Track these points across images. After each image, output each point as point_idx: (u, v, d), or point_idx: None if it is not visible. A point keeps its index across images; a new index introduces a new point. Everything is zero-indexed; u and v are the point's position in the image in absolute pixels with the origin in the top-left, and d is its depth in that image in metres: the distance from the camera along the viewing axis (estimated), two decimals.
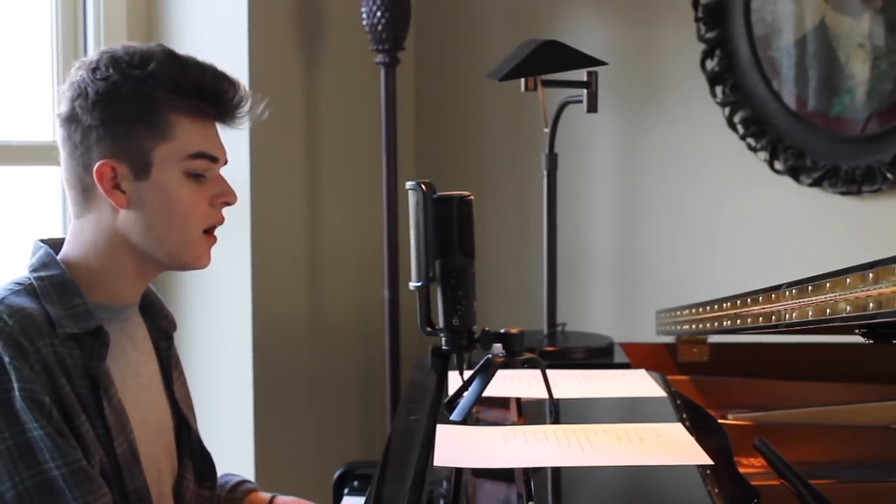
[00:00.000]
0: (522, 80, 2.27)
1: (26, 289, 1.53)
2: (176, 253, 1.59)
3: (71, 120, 1.55)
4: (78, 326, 1.51)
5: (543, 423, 1.67)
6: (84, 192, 1.57)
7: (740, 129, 2.77)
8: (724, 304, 1.84)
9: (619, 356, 2.29)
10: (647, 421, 1.61)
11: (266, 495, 1.83)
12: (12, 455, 1.42)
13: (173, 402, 1.70)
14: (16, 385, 1.42)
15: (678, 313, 2.19)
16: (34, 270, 1.56)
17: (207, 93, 1.57)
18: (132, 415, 1.57)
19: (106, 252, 1.57)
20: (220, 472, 1.80)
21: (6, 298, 1.49)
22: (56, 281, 1.54)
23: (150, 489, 1.59)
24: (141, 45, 1.58)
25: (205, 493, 1.73)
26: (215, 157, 1.59)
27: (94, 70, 1.54)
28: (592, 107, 2.28)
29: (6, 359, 1.43)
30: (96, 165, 1.53)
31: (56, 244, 1.61)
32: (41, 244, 1.60)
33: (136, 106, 1.53)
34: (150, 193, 1.55)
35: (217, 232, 1.63)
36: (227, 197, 1.61)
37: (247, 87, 1.62)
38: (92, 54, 1.58)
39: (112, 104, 1.53)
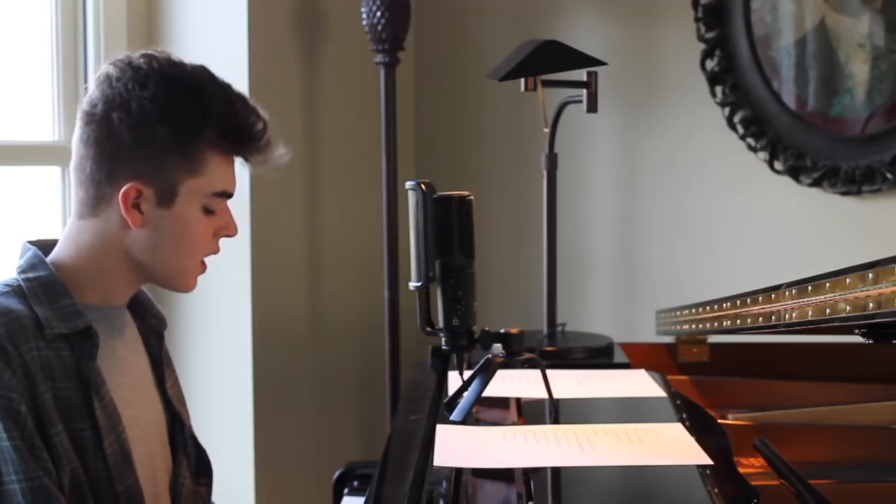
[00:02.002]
0: (522, 80, 2.27)
1: (14, 290, 1.52)
2: (170, 277, 1.61)
3: (104, 126, 1.52)
4: (67, 326, 1.51)
5: (543, 423, 1.67)
6: (97, 198, 1.56)
7: (740, 129, 2.77)
8: (724, 304, 1.84)
9: (619, 356, 2.29)
10: (647, 421, 1.61)
11: None
12: None
13: (166, 399, 1.70)
14: None
15: (678, 313, 2.19)
16: (22, 272, 1.55)
17: (244, 136, 1.58)
18: (124, 413, 1.57)
19: (101, 258, 1.57)
20: (217, 470, 1.79)
21: None
22: (44, 282, 1.53)
23: (145, 488, 1.59)
24: (186, 63, 1.57)
25: (201, 489, 1.73)
26: (231, 195, 1.62)
27: (143, 86, 1.51)
28: (592, 107, 2.28)
29: None
30: (124, 187, 1.52)
31: (45, 246, 1.60)
32: (29, 246, 1.59)
33: (178, 137, 1.52)
34: (168, 221, 1.55)
35: None
36: (230, 231, 1.63)
37: (275, 131, 1.62)
38: (135, 59, 1.55)
39: (153, 127, 1.51)
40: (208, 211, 1.58)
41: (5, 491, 1.41)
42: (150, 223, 1.55)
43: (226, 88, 1.58)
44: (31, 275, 1.54)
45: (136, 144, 1.52)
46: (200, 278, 1.64)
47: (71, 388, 1.50)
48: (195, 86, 1.54)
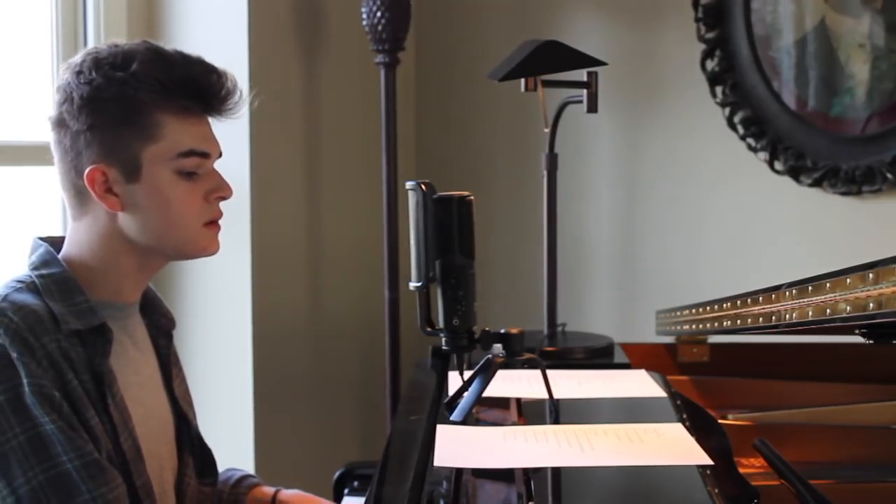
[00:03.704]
0: (522, 80, 2.27)
1: (28, 286, 1.53)
2: (179, 248, 1.59)
3: (60, 125, 1.55)
4: (81, 323, 1.51)
5: (543, 423, 1.67)
6: (78, 196, 1.57)
7: (740, 130, 2.77)
8: (724, 304, 1.83)
9: (619, 356, 2.29)
10: (647, 421, 1.61)
11: (270, 489, 1.84)
12: (24, 450, 1.42)
13: (173, 399, 1.70)
14: (25, 380, 1.43)
15: (678, 313, 2.19)
16: (35, 268, 1.56)
17: (193, 89, 1.55)
18: (134, 412, 1.57)
19: (105, 253, 1.58)
20: (220, 470, 1.80)
21: (10, 295, 1.50)
22: (58, 278, 1.54)
23: (154, 485, 1.59)
24: (125, 42, 1.57)
25: (205, 489, 1.74)
26: (206, 154, 1.58)
27: (79, 73, 1.53)
28: (592, 107, 2.28)
29: (14, 354, 1.44)
30: (87, 171, 1.53)
31: (56, 242, 1.61)
32: (41, 242, 1.60)
33: (121, 108, 1.52)
34: (143, 195, 1.55)
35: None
36: (222, 191, 1.60)
37: (235, 77, 1.60)
38: (77, 56, 1.58)
39: (97, 108, 1.52)
40: (184, 174, 1.56)
41: (61, 472, 1.42)
42: (128, 203, 1.55)
43: (170, 52, 1.56)
44: (44, 271, 1.55)
45: (87, 129, 1.53)
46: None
47: (88, 381, 1.51)
48: (126, 57, 1.54)
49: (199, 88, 1.56)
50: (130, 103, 1.52)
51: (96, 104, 1.52)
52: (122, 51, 1.55)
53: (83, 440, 1.44)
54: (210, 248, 1.61)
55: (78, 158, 1.54)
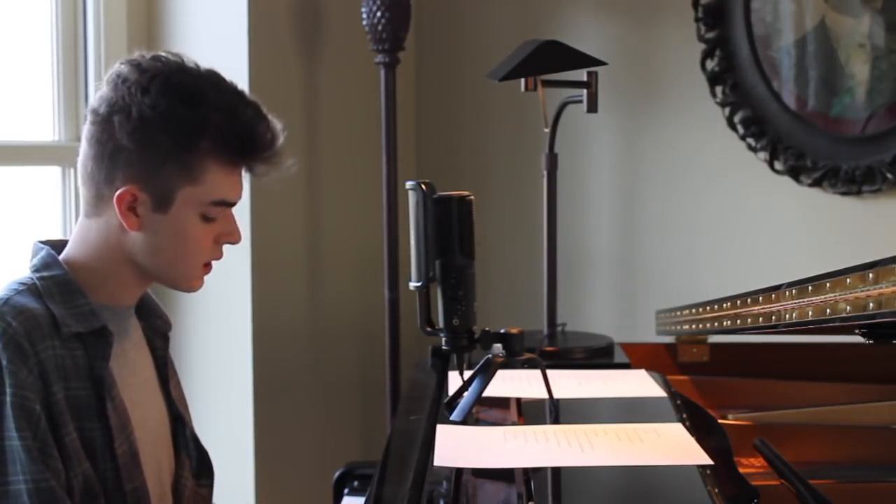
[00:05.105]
0: (522, 80, 2.27)
1: (29, 288, 1.53)
2: (172, 279, 1.61)
3: (106, 127, 1.52)
4: (82, 326, 1.51)
5: (543, 423, 1.67)
6: (98, 198, 1.56)
7: (740, 130, 2.77)
8: (724, 304, 1.84)
9: (619, 356, 2.29)
10: (647, 421, 1.61)
11: None
12: None
13: (169, 401, 1.70)
14: (9, 390, 1.42)
15: (678, 313, 2.19)
16: (36, 270, 1.56)
17: (248, 147, 1.56)
18: (132, 414, 1.57)
19: (107, 257, 1.58)
20: (217, 470, 1.79)
21: (11, 299, 1.49)
22: (59, 281, 1.54)
23: (152, 488, 1.59)
24: (194, 68, 1.55)
25: (202, 490, 1.73)
26: (233, 204, 1.60)
27: (144, 91, 1.50)
28: (592, 107, 2.28)
29: (3, 362, 1.43)
30: (119, 190, 1.52)
31: (57, 245, 1.61)
32: (42, 245, 1.60)
33: (175, 145, 1.51)
34: (164, 226, 1.55)
35: None
36: (233, 237, 1.62)
37: (281, 136, 1.60)
38: (144, 60, 1.54)
39: (152, 134, 1.51)
40: (207, 218, 1.57)
41: (10, 491, 1.41)
42: (146, 227, 1.55)
43: (234, 96, 1.56)
44: (45, 274, 1.54)
45: (134, 150, 1.51)
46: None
47: (83, 387, 1.50)
48: (197, 94, 1.52)
49: (253, 144, 1.56)
50: (186, 143, 1.51)
51: (153, 130, 1.50)
52: (194, 82, 1.53)
53: (52, 460, 1.44)
54: (195, 287, 1.63)
55: (113, 171, 1.53)
